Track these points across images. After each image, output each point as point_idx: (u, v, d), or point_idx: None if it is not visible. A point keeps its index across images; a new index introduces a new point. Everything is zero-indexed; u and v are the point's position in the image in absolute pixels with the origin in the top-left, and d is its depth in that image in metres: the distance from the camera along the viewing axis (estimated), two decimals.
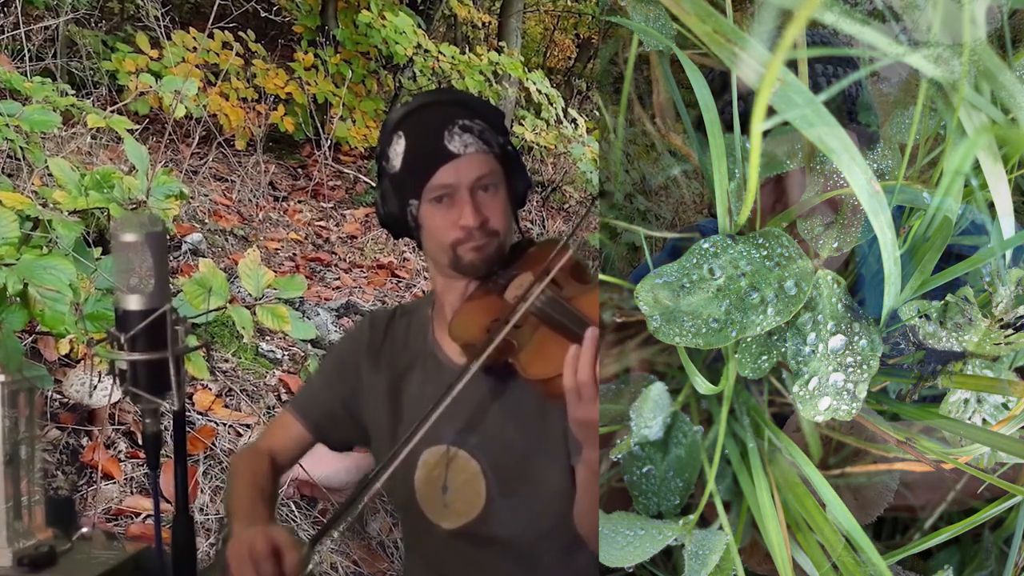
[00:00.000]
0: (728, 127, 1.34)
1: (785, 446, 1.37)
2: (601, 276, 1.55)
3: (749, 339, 1.29)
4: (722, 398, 1.39)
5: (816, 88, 1.20)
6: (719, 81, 1.47)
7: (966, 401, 1.33)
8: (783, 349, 1.29)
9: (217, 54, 7.42)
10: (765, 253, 1.29)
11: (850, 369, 1.27)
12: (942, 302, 1.31)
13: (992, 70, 1.23)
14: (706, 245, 1.29)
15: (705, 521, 1.42)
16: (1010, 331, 1.29)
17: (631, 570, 1.40)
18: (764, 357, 1.30)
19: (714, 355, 1.46)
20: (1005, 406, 1.32)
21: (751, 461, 1.40)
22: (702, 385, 1.40)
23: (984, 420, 1.33)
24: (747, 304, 1.26)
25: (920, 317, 1.31)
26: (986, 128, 1.24)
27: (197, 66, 7.00)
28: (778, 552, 1.32)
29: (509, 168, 2.17)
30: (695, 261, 1.29)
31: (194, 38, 7.26)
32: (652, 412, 1.43)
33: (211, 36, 7.21)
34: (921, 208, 1.35)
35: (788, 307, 1.25)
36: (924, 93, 1.27)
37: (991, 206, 1.30)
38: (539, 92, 9.12)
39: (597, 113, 10.35)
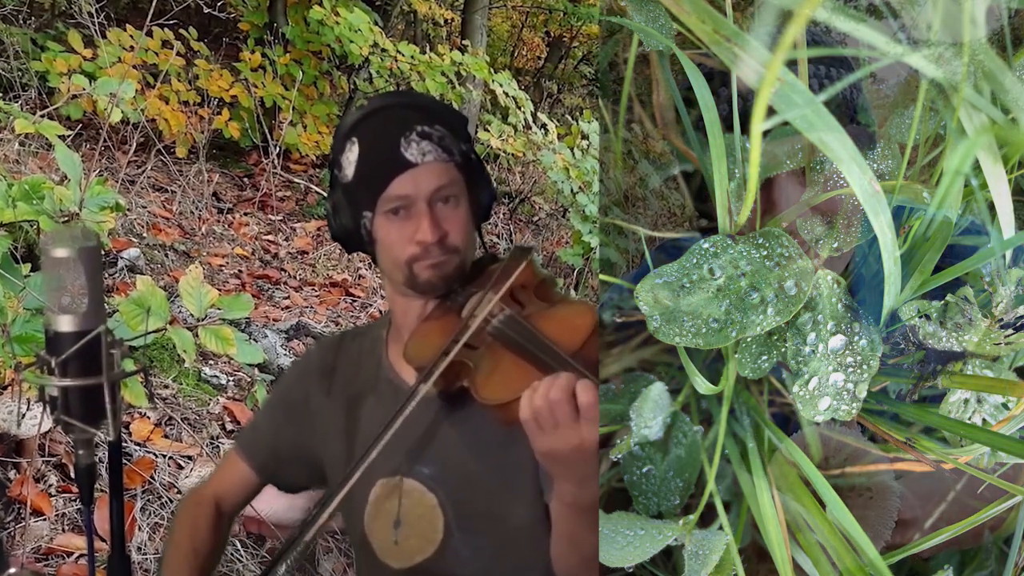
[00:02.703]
0: (727, 126, 1.42)
1: (785, 446, 1.44)
2: (601, 276, 1.64)
3: (749, 339, 1.36)
4: (722, 398, 1.46)
5: (810, 88, 1.28)
6: (717, 80, 1.55)
7: (966, 401, 1.40)
8: (783, 349, 1.36)
9: (156, 53, 7.42)
10: (765, 253, 1.35)
11: (850, 369, 1.34)
12: (942, 302, 1.39)
13: (993, 70, 1.30)
14: (706, 245, 1.36)
15: (705, 521, 1.49)
16: (1010, 331, 1.37)
17: (631, 570, 1.47)
18: (764, 357, 1.37)
19: (714, 355, 1.51)
20: (1005, 406, 1.40)
21: (751, 461, 1.47)
22: (702, 385, 1.47)
23: (984, 420, 1.41)
24: (747, 304, 1.32)
25: (920, 317, 1.39)
26: (986, 128, 1.30)
27: (134, 67, 7.00)
28: (778, 552, 1.39)
29: (471, 178, 2.17)
30: (695, 261, 1.36)
31: (131, 36, 7.26)
32: (652, 412, 1.49)
33: (149, 34, 7.22)
34: (921, 208, 1.41)
35: (788, 307, 1.32)
36: (924, 93, 1.34)
37: (991, 206, 1.36)
38: (506, 95, 9.07)
39: (569, 117, 10.38)
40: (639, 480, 1.58)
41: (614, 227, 2.13)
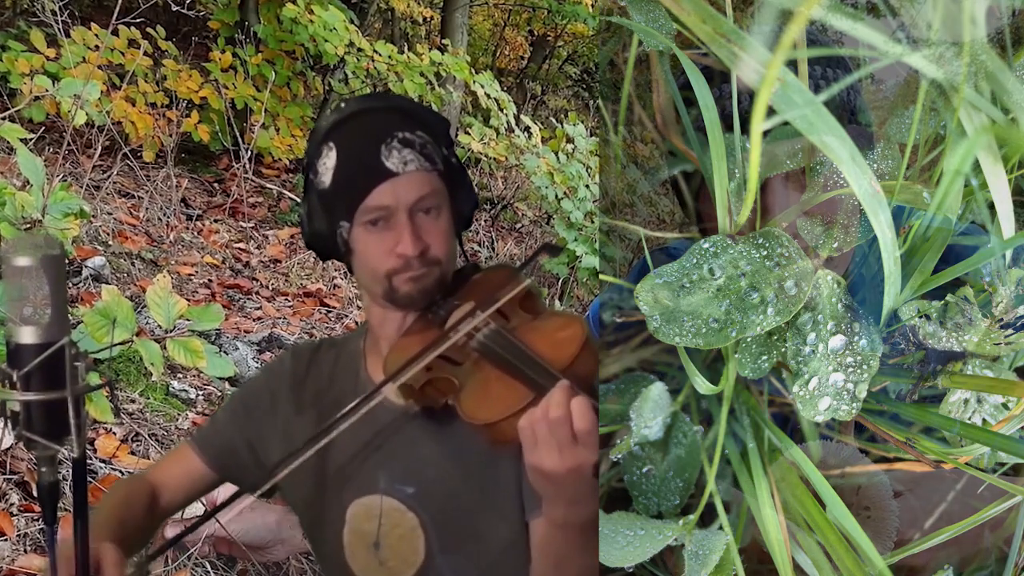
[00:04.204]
0: (726, 126, 1.47)
1: (785, 446, 1.50)
2: (601, 276, 1.69)
3: (749, 339, 1.42)
4: (722, 398, 1.51)
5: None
6: (717, 80, 1.60)
7: (966, 401, 1.46)
8: (783, 349, 1.41)
9: (122, 53, 7.37)
10: (765, 253, 1.40)
11: (850, 369, 1.39)
12: (942, 302, 1.45)
13: (993, 70, 1.35)
14: (706, 245, 1.41)
15: (705, 521, 1.54)
16: (1010, 331, 1.43)
17: (631, 570, 1.52)
18: (764, 357, 1.42)
19: (714, 355, 1.58)
20: (1005, 406, 1.45)
21: (751, 461, 1.52)
22: (702, 385, 1.52)
23: (984, 420, 1.46)
24: (747, 304, 1.38)
25: (920, 317, 1.44)
26: (986, 128, 1.36)
27: (99, 67, 6.98)
28: (778, 552, 1.44)
29: (453, 186, 2.16)
30: (695, 261, 1.41)
31: (96, 35, 7.20)
32: (652, 412, 1.55)
33: (115, 33, 7.17)
34: (921, 208, 1.46)
35: (788, 307, 1.37)
36: (924, 93, 1.39)
37: (991, 206, 1.42)
38: (487, 96, 9.04)
39: (554, 120, 10.38)
40: (639, 480, 1.64)
41: (601, 235, 2.15)
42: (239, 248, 7.58)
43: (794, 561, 1.47)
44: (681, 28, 1.49)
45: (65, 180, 5.93)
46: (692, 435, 1.61)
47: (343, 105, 2.17)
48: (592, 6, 11.64)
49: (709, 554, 1.47)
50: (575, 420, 1.70)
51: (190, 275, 6.73)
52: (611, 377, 1.74)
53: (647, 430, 1.58)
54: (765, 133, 1.24)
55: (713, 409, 1.63)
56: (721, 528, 1.52)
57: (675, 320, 1.40)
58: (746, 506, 1.53)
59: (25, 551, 3.58)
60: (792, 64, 1.41)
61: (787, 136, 1.52)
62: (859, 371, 1.40)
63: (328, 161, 2.11)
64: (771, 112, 1.23)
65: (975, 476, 1.49)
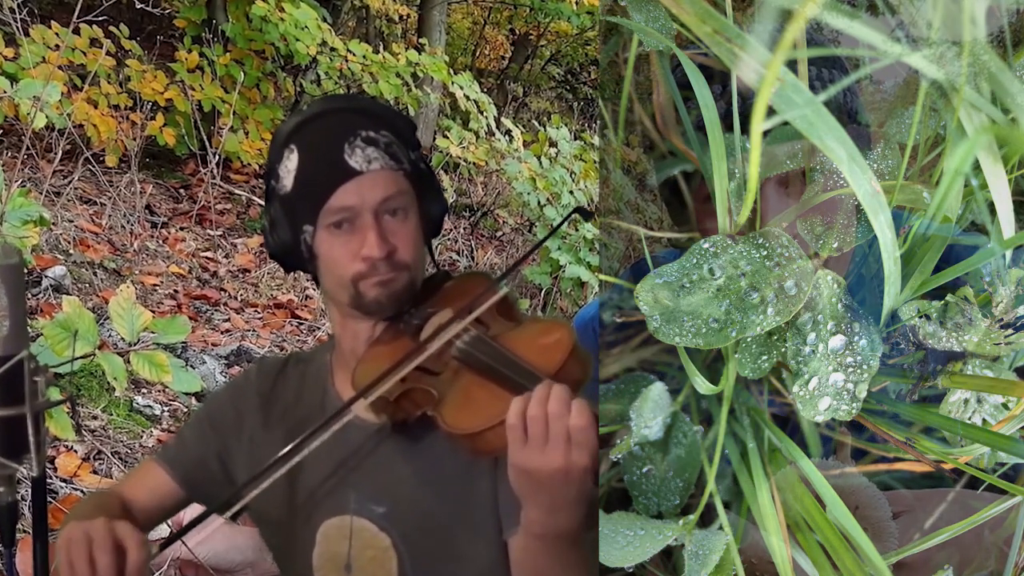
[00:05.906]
0: (726, 126, 1.53)
1: (785, 446, 1.56)
2: (600, 276, 1.75)
3: (749, 339, 1.47)
4: (722, 398, 1.56)
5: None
6: (717, 80, 1.66)
7: (966, 401, 1.52)
8: (783, 349, 1.47)
9: (84, 53, 7.37)
10: (765, 253, 1.46)
11: (850, 369, 1.44)
12: (942, 302, 1.50)
13: (992, 70, 1.41)
14: (706, 245, 1.47)
15: (705, 521, 1.59)
16: (1010, 331, 1.49)
17: (631, 570, 1.57)
18: (764, 357, 1.48)
19: (714, 355, 1.63)
20: (1005, 406, 1.51)
21: (751, 461, 1.58)
22: (702, 385, 1.58)
23: (984, 420, 1.52)
24: (747, 304, 1.44)
25: (920, 317, 1.50)
26: (986, 128, 1.41)
27: (60, 67, 6.98)
28: (778, 552, 1.49)
29: (421, 189, 2.17)
30: (695, 261, 1.47)
31: (56, 34, 7.23)
32: (652, 412, 1.60)
33: (77, 31, 7.17)
34: (921, 208, 1.52)
35: (788, 307, 1.43)
36: (924, 93, 1.45)
37: (991, 206, 1.47)
38: (467, 98, 9.06)
39: (536, 123, 10.39)
40: (639, 480, 1.69)
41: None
42: (206, 257, 7.59)
43: (794, 561, 1.52)
44: (681, 28, 1.55)
45: (24, 186, 5.94)
46: (692, 435, 1.66)
47: (304, 108, 2.17)
48: (576, 4, 11.66)
49: (709, 554, 1.52)
50: (573, 415, 1.72)
51: (155, 285, 6.75)
52: (611, 377, 1.78)
53: (647, 430, 1.63)
54: (765, 133, 1.29)
55: (713, 409, 1.68)
56: (721, 528, 1.57)
57: (675, 320, 1.45)
58: (746, 506, 1.59)
59: None
60: (792, 64, 1.47)
61: (786, 137, 1.58)
62: (859, 371, 1.45)
63: (290, 164, 2.12)
64: (771, 112, 1.28)
65: (975, 476, 1.55)
